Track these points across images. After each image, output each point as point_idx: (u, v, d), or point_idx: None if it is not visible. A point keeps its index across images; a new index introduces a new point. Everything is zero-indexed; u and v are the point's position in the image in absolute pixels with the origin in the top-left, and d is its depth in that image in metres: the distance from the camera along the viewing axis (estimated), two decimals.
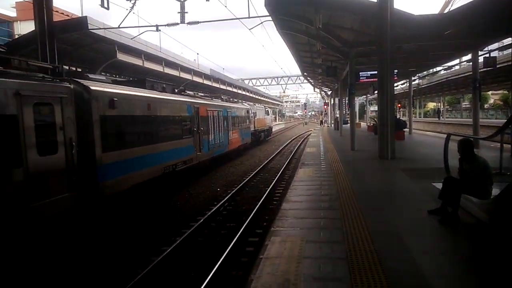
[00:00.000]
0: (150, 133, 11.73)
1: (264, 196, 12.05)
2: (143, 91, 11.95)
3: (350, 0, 13.30)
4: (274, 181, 14.66)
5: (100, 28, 16.78)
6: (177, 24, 15.19)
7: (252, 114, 29.53)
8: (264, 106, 40.77)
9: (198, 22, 15.21)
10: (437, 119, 56.26)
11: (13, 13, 42.66)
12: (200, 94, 19.52)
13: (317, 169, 12.18)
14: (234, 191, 13.18)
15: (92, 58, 20.77)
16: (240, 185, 14.22)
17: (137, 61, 22.81)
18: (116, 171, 9.73)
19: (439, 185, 8.60)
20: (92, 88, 9.11)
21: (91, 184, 8.77)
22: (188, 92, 17.05)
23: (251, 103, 34.80)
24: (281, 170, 17.21)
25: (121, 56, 20.76)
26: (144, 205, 11.47)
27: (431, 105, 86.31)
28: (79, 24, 16.42)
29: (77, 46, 19.66)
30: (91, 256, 7.48)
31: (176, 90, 15.34)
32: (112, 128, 9.73)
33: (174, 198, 12.69)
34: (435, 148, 17.91)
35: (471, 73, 32.90)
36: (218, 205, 11.16)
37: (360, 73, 18.93)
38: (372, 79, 18.75)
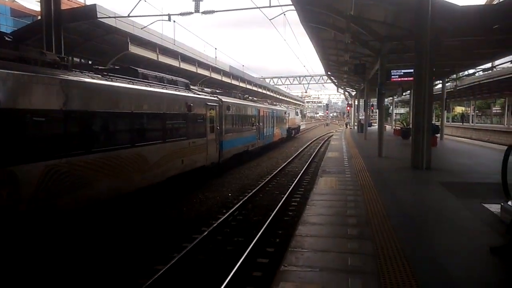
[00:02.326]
0: (241, 125, 19.27)
1: (279, 206, 10.65)
2: (238, 100, 20.26)
3: None
4: (291, 187, 13.24)
5: (110, 17, 15.63)
6: (191, 13, 13.86)
7: (287, 115, 36.15)
8: (295, 108, 50.78)
9: (213, 12, 13.81)
10: (461, 123, 53.71)
11: (37, 7, 42.45)
12: (253, 98, 27.26)
13: (340, 179, 10.59)
14: (246, 197, 11.86)
15: (103, 50, 19.70)
16: (254, 191, 12.87)
17: (151, 55, 21.63)
18: (227, 145, 16.72)
19: (491, 207, 7.03)
20: (224, 99, 16.63)
21: (219, 150, 15.63)
22: (250, 97, 26.19)
23: (286, 105, 44.99)
24: (299, 175, 15.76)
25: (134, 49, 19.60)
26: (149, 211, 10.29)
27: (458, 109, 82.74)
28: (88, 12, 15.32)
29: (87, 37, 18.64)
30: None
31: (246, 96, 25.29)
32: (227, 121, 16.86)
33: (182, 203, 11.46)
34: (472, 157, 16.05)
35: (508, 75, 30.85)
36: (227, 215, 9.84)
37: (392, 71, 17.12)
38: (405, 78, 16.94)
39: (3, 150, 5.86)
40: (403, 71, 17.07)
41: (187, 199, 11.93)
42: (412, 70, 15.94)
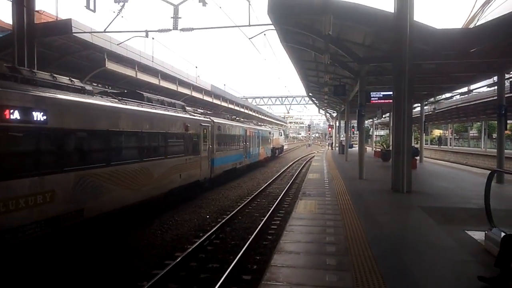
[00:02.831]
0: (229, 144, 20.46)
1: (258, 228, 10.24)
2: (227, 120, 21.56)
3: (365, 9, 11.61)
4: (271, 210, 12.83)
5: (86, 32, 15.16)
6: (169, 30, 13.54)
7: (272, 135, 37.44)
8: (279, 129, 52.82)
9: (192, 29, 13.54)
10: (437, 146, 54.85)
11: None
12: (239, 118, 28.07)
13: (320, 202, 10.23)
14: (224, 220, 11.41)
15: (80, 66, 19.14)
16: (233, 212, 12.42)
17: (130, 72, 21.13)
18: (217, 162, 17.74)
19: (475, 234, 6.76)
20: (215, 120, 18.00)
21: (211, 167, 16.66)
22: (238, 118, 27.38)
23: (271, 126, 46.35)
24: (280, 197, 15.37)
25: (111, 65, 19.10)
26: (118, 234, 9.70)
27: (437, 132, 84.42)
28: (63, 27, 14.80)
29: (63, 53, 18.06)
30: None
31: (234, 117, 26.07)
32: (217, 140, 17.99)
33: (155, 225, 10.87)
34: (452, 180, 15.98)
35: (484, 99, 31.55)
36: (203, 238, 9.34)
37: (371, 93, 17.11)
38: (385, 100, 16.96)
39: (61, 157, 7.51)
40: (382, 93, 17.12)
41: (162, 221, 11.38)
42: (391, 93, 16.04)
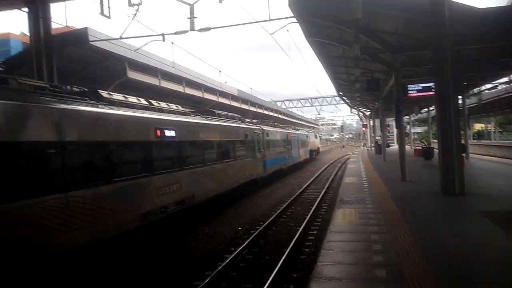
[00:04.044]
0: (276, 148, 22.88)
1: (293, 241, 9.18)
2: (272, 127, 24.13)
3: None
4: (308, 218, 11.78)
5: (102, 40, 14.66)
6: (186, 31, 12.78)
7: (309, 138, 39.36)
8: (315, 132, 55.82)
9: (209, 29, 12.71)
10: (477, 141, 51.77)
11: None
12: (278, 124, 30.35)
13: (361, 210, 8.99)
14: (257, 231, 10.43)
15: (102, 77, 18.79)
16: (266, 223, 11.40)
17: (153, 80, 20.62)
18: (268, 164, 20.23)
19: None
20: (264, 128, 20.63)
21: (264, 167, 19.33)
22: (277, 124, 29.62)
23: (307, 130, 49.55)
24: (316, 204, 14.21)
25: (133, 75, 18.62)
26: (150, 248, 9.15)
27: (478, 126, 79.92)
28: (79, 36, 14.40)
29: (84, 65, 17.74)
30: None
31: (275, 124, 29.04)
32: (267, 144, 20.44)
33: (186, 239, 10.19)
34: (509, 178, 14.23)
35: None
36: (235, 253, 8.51)
37: (408, 86, 15.59)
38: (424, 93, 15.40)
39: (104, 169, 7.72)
40: (421, 85, 15.54)
41: (192, 235, 10.62)
42: (431, 84, 14.53)
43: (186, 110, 12.88)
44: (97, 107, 7.81)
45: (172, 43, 15.54)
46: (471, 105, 32.66)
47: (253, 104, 41.05)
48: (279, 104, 68.14)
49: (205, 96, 27.75)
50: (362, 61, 17.05)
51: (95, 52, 16.33)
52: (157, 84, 21.13)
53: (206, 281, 6.89)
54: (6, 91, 6.14)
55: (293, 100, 73.56)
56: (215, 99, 29.77)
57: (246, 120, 19.80)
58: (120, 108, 8.73)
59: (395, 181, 13.80)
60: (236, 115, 18.38)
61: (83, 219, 6.74)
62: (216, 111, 15.44)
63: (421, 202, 9.89)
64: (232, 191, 14.53)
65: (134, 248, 8.62)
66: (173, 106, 12.02)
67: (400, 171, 14.20)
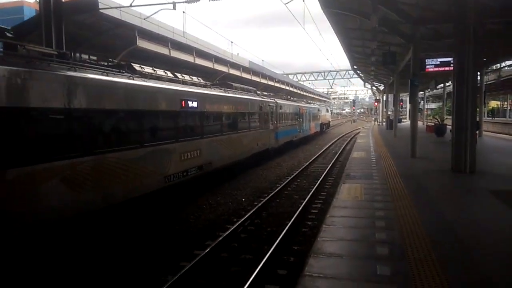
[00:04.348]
0: (288, 120, 23.54)
1: (296, 214, 9.17)
2: (286, 101, 24.92)
3: None
4: (312, 191, 11.75)
5: (112, 7, 14.38)
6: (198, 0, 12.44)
7: (320, 112, 40.07)
8: (326, 105, 58.11)
9: None
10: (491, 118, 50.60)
11: None
12: (292, 98, 32.50)
13: (367, 186, 8.91)
14: (261, 203, 10.41)
15: (112, 45, 18.59)
16: (270, 195, 11.39)
17: (163, 50, 20.35)
18: (280, 135, 21.05)
19: None
20: (278, 101, 21.34)
21: (276, 139, 20.21)
22: (290, 97, 31.74)
23: (319, 103, 50.24)
24: (321, 177, 14.14)
25: (143, 43, 18.37)
26: (152, 218, 9.15)
27: (493, 103, 78.02)
28: (89, 3, 14.11)
29: (95, 32, 17.53)
30: None
31: (289, 97, 31.63)
32: (280, 117, 21.11)
33: (189, 209, 10.21)
34: None
35: None
36: (237, 224, 8.54)
37: (426, 60, 15.08)
38: (442, 68, 14.88)
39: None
40: (439, 59, 15.00)
41: (195, 205, 10.67)
42: (451, 59, 14.03)
43: (207, 82, 13.65)
44: (133, 79, 8.74)
45: (184, 12, 15.17)
46: (488, 82, 31.72)
47: (264, 76, 40.46)
48: (291, 77, 67.17)
49: (215, 67, 27.37)
50: (379, 33, 16.47)
51: (106, 20, 16.08)
52: (167, 53, 20.86)
53: (207, 250, 6.93)
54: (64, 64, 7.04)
55: (305, 73, 72.40)
56: (225, 70, 29.39)
57: (264, 93, 20.79)
58: (150, 80, 9.58)
59: (405, 158, 13.63)
60: (252, 88, 19.03)
61: (121, 178, 7.86)
62: (234, 84, 16.10)
63: (429, 179, 9.74)
64: (245, 159, 15.43)
65: (141, 213, 8.76)
66: (195, 79, 12.74)
67: (410, 147, 13.99)
